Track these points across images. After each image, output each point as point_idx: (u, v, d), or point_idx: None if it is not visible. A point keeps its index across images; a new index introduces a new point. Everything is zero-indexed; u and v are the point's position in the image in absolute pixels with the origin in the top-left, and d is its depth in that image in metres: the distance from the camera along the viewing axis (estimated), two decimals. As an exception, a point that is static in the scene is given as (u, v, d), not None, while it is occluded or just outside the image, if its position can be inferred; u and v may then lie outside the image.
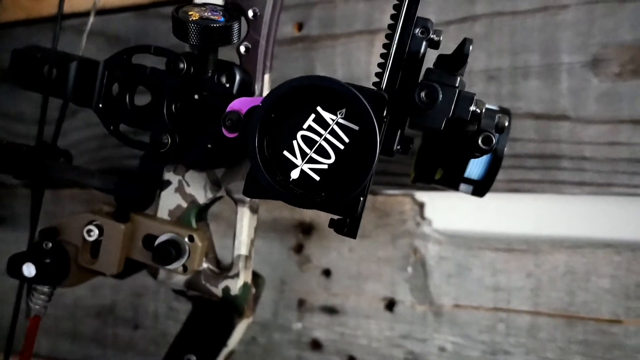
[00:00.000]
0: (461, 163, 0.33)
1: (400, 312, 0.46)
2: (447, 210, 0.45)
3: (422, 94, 0.25)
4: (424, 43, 0.28)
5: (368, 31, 0.46)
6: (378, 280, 0.47)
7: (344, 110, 0.27)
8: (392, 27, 0.28)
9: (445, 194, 0.44)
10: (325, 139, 0.27)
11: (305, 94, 0.26)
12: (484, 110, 0.26)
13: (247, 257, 0.35)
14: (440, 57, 0.28)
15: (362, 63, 0.46)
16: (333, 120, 0.27)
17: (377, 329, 0.47)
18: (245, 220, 0.34)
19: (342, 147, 0.27)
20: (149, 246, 0.34)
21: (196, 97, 0.32)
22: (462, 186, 0.34)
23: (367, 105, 0.25)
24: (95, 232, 0.33)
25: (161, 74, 0.30)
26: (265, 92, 0.34)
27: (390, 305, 0.46)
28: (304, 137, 0.27)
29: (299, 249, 0.49)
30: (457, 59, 0.25)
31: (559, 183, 0.41)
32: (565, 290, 0.41)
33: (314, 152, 0.27)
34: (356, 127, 0.27)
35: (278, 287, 0.50)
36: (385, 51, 0.29)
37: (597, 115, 0.40)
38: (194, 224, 0.35)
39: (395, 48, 0.28)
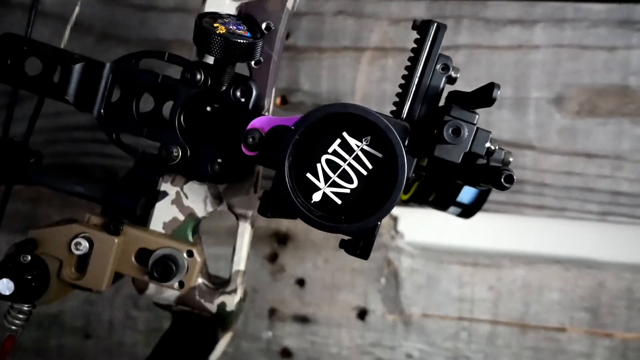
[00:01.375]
0: (455, 188, 0.35)
1: (371, 321, 0.48)
2: (419, 225, 0.48)
3: (449, 130, 0.27)
4: (444, 79, 0.29)
5: (355, 48, 0.47)
6: (351, 291, 0.48)
7: (369, 138, 0.28)
8: (413, 60, 0.30)
9: (415, 209, 0.47)
10: (349, 164, 0.28)
11: (334, 120, 0.27)
12: (497, 147, 0.28)
13: (244, 272, 0.35)
14: (455, 93, 0.29)
15: (347, 79, 0.47)
16: (358, 146, 0.28)
17: (348, 337, 0.48)
18: (246, 236, 0.34)
19: (365, 173, 0.28)
20: (142, 261, 0.32)
21: (208, 109, 0.30)
22: (451, 208, 0.37)
23: (398, 136, 0.27)
24: (85, 245, 0.31)
25: (174, 82, 0.29)
26: (272, 107, 0.34)
27: (362, 314, 0.48)
28: (328, 161, 0.28)
29: (273, 258, 0.49)
30: (479, 99, 0.27)
31: (522, 205, 0.45)
32: (521, 301, 0.46)
33: (338, 176, 0.28)
34: (380, 155, 0.28)
35: (249, 295, 0.49)
36: (403, 81, 0.30)
37: (557, 147, 0.45)
38: (190, 238, 0.33)
39: (417, 81, 0.29)
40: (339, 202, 0.28)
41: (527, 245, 0.46)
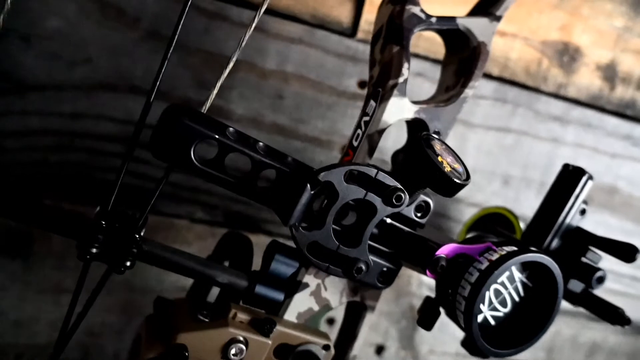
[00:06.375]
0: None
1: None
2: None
3: (596, 278, 0.32)
4: (579, 218, 0.34)
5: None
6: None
7: (528, 271, 0.32)
8: (558, 199, 0.34)
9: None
10: (508, 292, 0.32)
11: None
12: (604, 282, 0.35)
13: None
14: (590, 236, 0.35)
15: (412, 139, 0.48)
16: (519, 278, 0.32)
17: (365, 369, 0.53)
18: (367, 326, 0.35)
19: (517, 299, 0.32)
20: (280, 354, 0.31)
21: (388, 221, 0.30)
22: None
23: (562, 278, 0.31)
24: (243, 350, 0.28)
25: (375, 200, 0.28)
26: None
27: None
28: (495, 290, 0.31)
29: (308, 298, 0.50)
30: (616, 253, 0.33)
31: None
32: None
33: (498, 301, 0.31)
34: (530, 284, 0.32)
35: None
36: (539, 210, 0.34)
37: (559, 226, 0.54)
38: (320, 327, 0.33)
39: (561, 220, 0.34)
40: (493, 323, 0.32)
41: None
